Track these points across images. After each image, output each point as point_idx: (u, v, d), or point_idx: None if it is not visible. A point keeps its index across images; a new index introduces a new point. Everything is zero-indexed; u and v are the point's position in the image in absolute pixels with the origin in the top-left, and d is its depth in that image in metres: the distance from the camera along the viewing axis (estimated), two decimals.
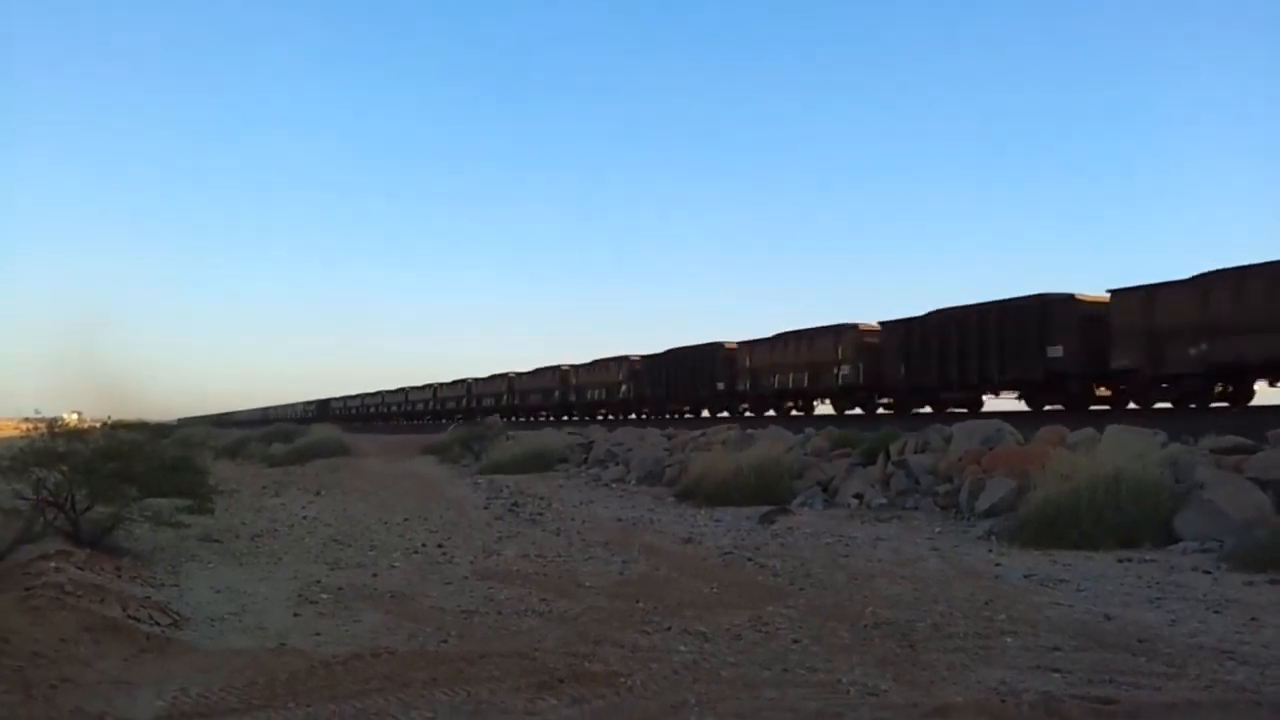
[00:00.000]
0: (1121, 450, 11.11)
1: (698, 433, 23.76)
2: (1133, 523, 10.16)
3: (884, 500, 14.34)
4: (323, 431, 39.36)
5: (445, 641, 6.70)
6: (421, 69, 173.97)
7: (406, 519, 14.61)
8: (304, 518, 15.09)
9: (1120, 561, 9.37)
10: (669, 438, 24.40)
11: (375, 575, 9.61)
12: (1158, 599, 7.65)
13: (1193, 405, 19.69)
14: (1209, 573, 8.66)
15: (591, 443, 26.75)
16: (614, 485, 20.43)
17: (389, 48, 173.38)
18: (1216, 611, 7.13)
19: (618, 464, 22.87)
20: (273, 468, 31.15)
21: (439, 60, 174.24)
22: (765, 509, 14.02)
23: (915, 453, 15.32)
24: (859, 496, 14.68)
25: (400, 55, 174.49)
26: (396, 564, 10.33)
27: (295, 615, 7.73)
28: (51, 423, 12.34)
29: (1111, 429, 13.00)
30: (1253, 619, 6.83)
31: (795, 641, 6.46)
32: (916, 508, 13.74)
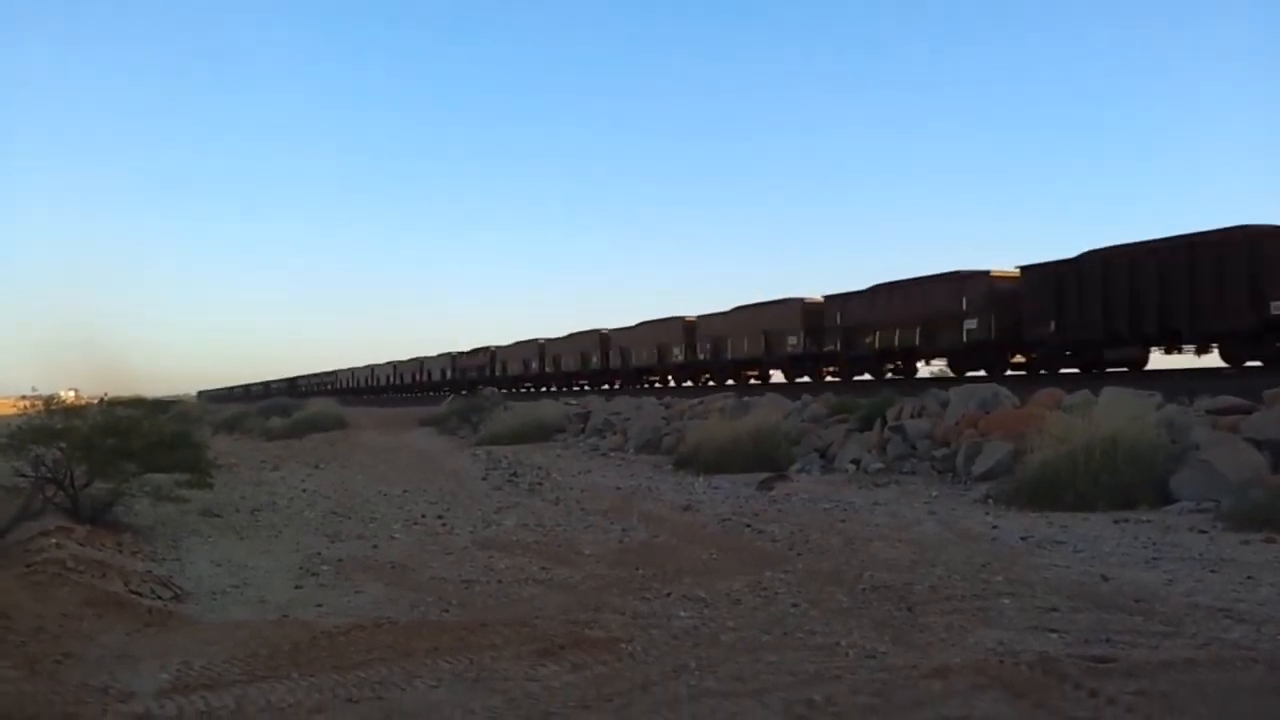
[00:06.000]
0: (1117, 412, 11.14)
1: (695, 401, 23.80)
2: (1129, 484, 10.20)
3: (881, 465, 14.39)
4: (320, 405, 39.39)
5: (447, 611, 6.74)
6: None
7: (406, 491, 14.65)
8: (303, 491, 15.13)
9: (1117, 522, 9.42)
10: (666, 406, 24.44)
11: (376, 547, 9.65)
12: (1154, 559, 7.70)
13: None
14: (1205, 532, 8.71)
15: (589, 412, 26.80)
16: (612, 454, 20.49)
17: None
18: (1213, 571, 7.17)
19: (615, 433, 22.93)
20: (271, 442, 31.18)
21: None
22: (763, 476, 14.07)
23: (912, 417, 15.35)
24: (856, 462, 14.73)
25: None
26: (397, 535, 10.37)
27: (297, 587, 7.77)
28: (48, 400, 12.32)
29: (1108, 391, 13.05)
30: (1249, 578, 6.87)
31: (794, 606, 6.50)
32: (913, 472, 13.80)
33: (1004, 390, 15.42)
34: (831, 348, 28.08)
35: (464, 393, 42.76)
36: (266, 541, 10.27)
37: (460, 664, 5.18)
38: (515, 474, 16.85)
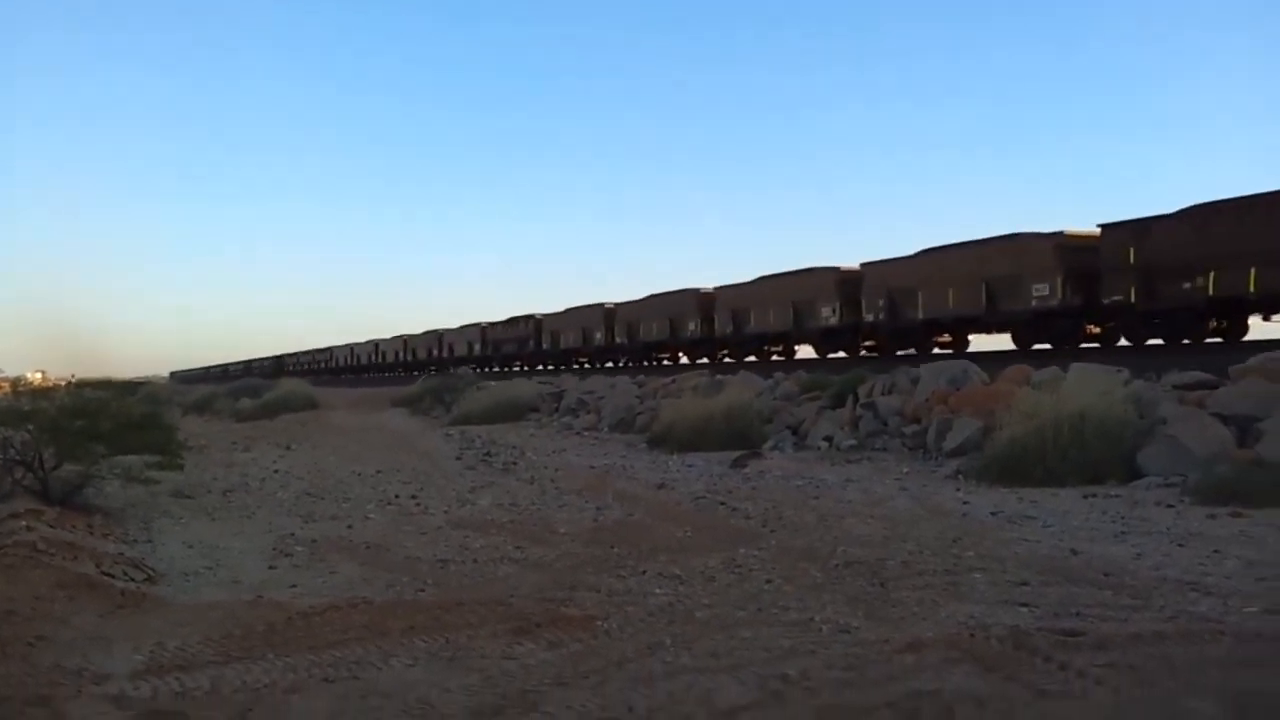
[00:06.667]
0: (1085, 388, 11.28)
1: (668, 379, 23.83)
2: (1097, 459, 10.34)
3: (853, 442, 14.49)
4: (291, 385, 39.12)
5: (422, 590, 6.74)
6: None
7: (379, 471, 14.60)
8: (275, 472, 15.04)
9: (1085, 497, 9.54)
10: (640, 385, 24.46)
11: (350, 527, 9.63)
12: (1123, 533, 7.81)
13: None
14: (1172, 507, 8.85)
15: (563, 392, 26.78)
16: (586, 433, 20.51)
17: None
18: (1180, 544, 7.29)
19: (589, 412, 22.95)
20: (241, 423, 30.95)
21: None
22: (736, 454, 14.13)
23: (883, 394, 15.46)
24: (828, 439, 14.83)
25: None
26: (371, 515, 10.34)
27: (270, 568, 7.74)
28: (15, 382, 12.18)
29: (1076, 367, 13.18)
30: (1215, 551, 6.99)
31: (768, 582, 6.56)
32: (885, 449, 13.91)
33: (974, 367, 15.53)
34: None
35: (450, 370, 41.63)
36: (239, 522, 10.22)
37: (436, 643, 5.20)
38: (489, 453, 16.82)
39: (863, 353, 26.74)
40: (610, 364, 38.97)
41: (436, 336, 57.18)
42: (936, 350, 24.51)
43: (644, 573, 7.00)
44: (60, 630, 5.51)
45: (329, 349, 79.35)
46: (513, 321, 47.94)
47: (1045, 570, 6.57)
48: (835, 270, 27.47)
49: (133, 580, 7.03)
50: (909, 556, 7.17)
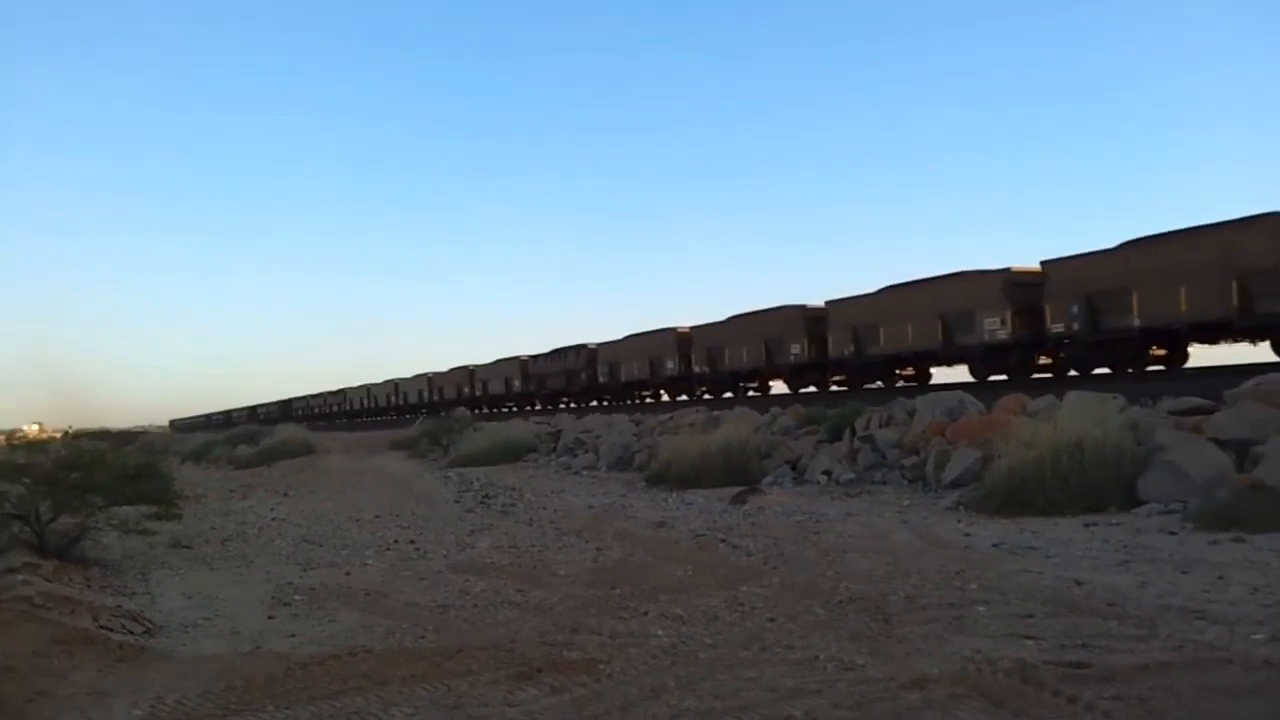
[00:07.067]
0: (1081, 415, 11.27)
1: (665, 416, 23.82)
2: (1097, 487, 10.32)
3: (852, 475, 14.47)
4: (288, 432, 39.11)
5: (422, 637, 6.69)
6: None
7: (377, 516, 14.54)
8: (273, 519, 14.98)
9: (1087, 526, 9.52)
10: (636, 423, 24.44)
11: (348, 574, 9.57)
12: (1125, 562, 7.78)
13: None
14: (1174, 533, 8.83)
15: (560, 431, 26.75)
16: (584, 473, 20.45)
17: None
18: (1184, 572, 7.26)
19: (587, 451, 22.91)
20: (239, 470, 30.88)
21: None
22: (735, 490, 14.09)
23: (880, 427, 15.46)
24: (827, 473, 14.80)
25: None
26: (369, 562, 10.29)
27: (269, 618, 7.69)
28: (11, 435, 12.15)
29: (1071, 395, 13.19)
30: (1219, 577, 6.97)
31: (771, 620, 6.51)
32: (884, 481, 13.89)
33: (969, 397, 15.57)
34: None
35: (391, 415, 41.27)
36: (237, 572, 10.16)
37: (437, 691, 5.15)
38: (487, 495, 16.77)
39: (832, 387, 27.72)
40: (594, 403, 39.77)
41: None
42: (900, 384, 25.17)
43: (646, 613, 6.96)
44: (59, 686, 5.46)
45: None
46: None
47: (1049, 601, 6.54)
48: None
49: (131, 633, 6.97)
50: (912, 591, 7.14)
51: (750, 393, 31.19)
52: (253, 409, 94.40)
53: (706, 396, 32.21)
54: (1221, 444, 10.63)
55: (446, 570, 9.45)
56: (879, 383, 25.72)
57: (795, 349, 28.27)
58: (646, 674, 5.34)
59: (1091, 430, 10.76)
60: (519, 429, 28.45)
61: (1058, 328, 20.29)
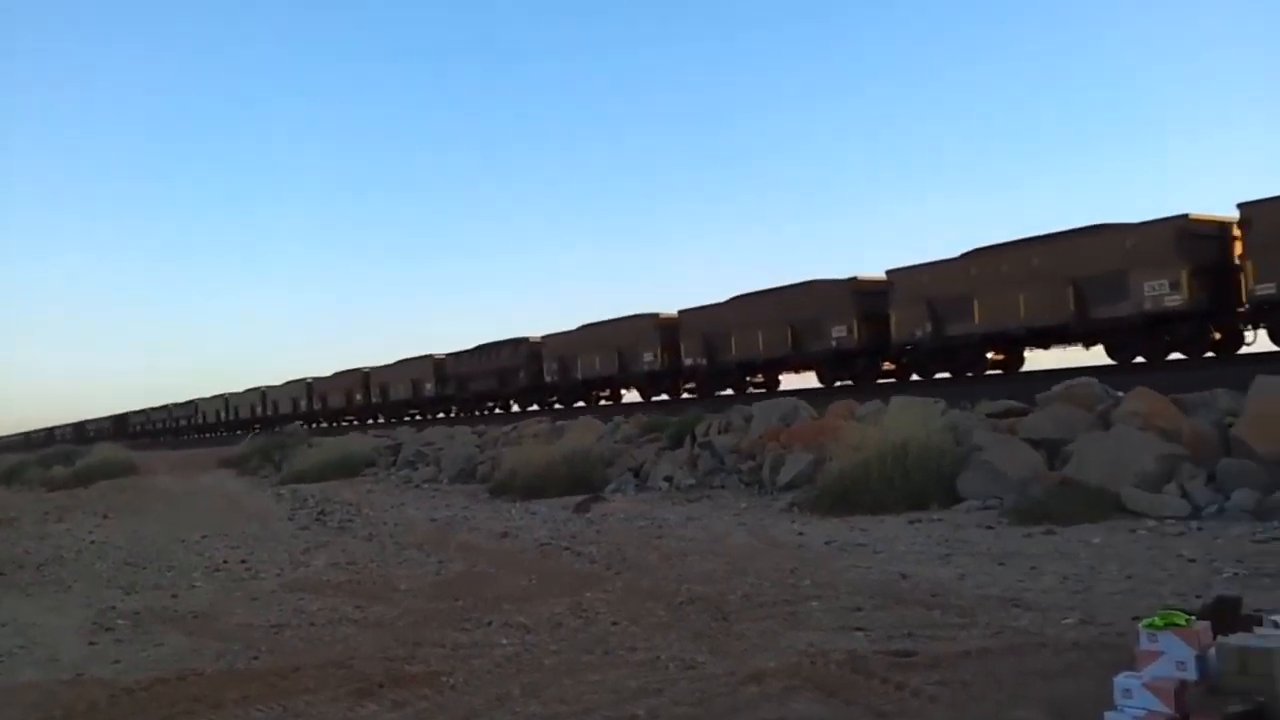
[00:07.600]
0: (905, 419, 11.82)
1: (509, 427, 23.68)
2: (920, 487, 10.85)
3: (693, 481, 14.74)
4: (107, 451, 36.92)
5: (256, 658, 6.45)
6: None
7: (205, 536, 13.91)
8: (92, 542, 14.14)
9: (911, 523, 9.99)
10: (479, 435, 24.20)
11: (175, 596, 9.13)
12: (947, 555, 8.21)
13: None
14: (991, 528, 9.36)
15: (400, 444, 26.22)
16: (426, 486, 20.13)
17: None
18: (1000, 564, 7.72)
19: (428, 464, 22.56)
20: (54, 492, 28.96)
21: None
22: (579, 498, 14.15)
23: (719, 433, 15.80)
24: (669, 479, 15.03)
25: None
26: (197, 583, 9.84)
27: (91, 644, 7.26)
28: None
29: (896, 400, 13.78)
30: (1033, 568, 7.43)
31: (614, 624, 6.59)
32: (724, 486, 14.20)
33: (802, 403, 16.05)
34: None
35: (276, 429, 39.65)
36: (55, 597, 9.55)
37: (273, 711, 5.00)
38: (323, 512, 16.29)
39: (684, 395, 27.86)
40: (442, 415, 38.69)
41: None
42: (751, 390, 25.52)
43: (489, 624, 6.92)
44: None
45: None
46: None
47: (877, 595, 6.84)
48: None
49: None
50: (749, 589, 7.34)
51: (602, 401, 31.18)
52: (80, 425, 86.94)
53: (558, 406, 32.09)
54: (1034, 444, 11.29)
55: (280, 589, 9.14)
56: (730, 390, 26.05)
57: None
58: (490, 683, 5.31)
59: (915, 433, 11.30)
60: (357, 442, 27.73)
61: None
